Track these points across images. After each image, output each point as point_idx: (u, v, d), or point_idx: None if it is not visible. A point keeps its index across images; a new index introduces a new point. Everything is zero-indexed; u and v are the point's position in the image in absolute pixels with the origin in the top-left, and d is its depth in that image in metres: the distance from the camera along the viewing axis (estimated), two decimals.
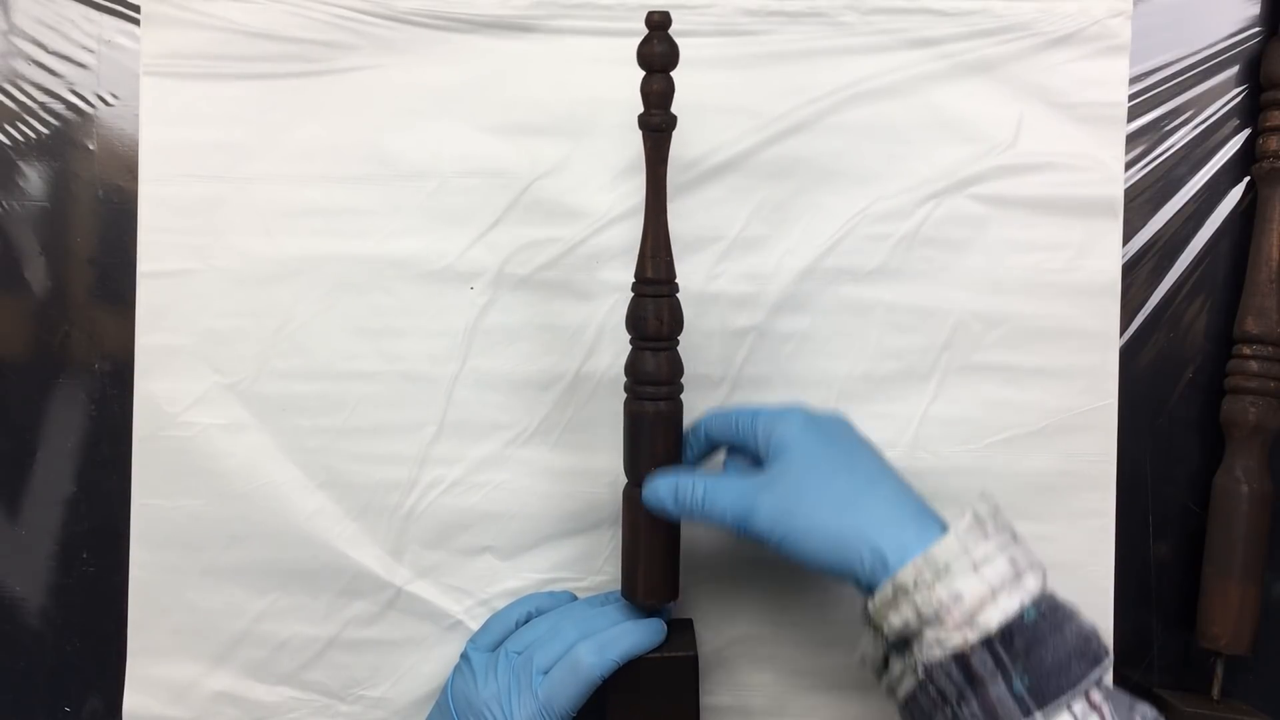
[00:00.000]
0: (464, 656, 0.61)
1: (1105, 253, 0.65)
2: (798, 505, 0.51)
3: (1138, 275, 0.66)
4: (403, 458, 0.64)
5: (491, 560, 0.65)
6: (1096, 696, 0.46)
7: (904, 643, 0.48)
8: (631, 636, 0.58)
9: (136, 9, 0.63)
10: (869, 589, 0.49)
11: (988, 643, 0.46)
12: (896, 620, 0.48)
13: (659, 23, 0.54)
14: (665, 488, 0.55)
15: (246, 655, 0.65)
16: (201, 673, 0.65)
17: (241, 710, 0.65)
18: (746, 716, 0.66)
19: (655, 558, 0.58)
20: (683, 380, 0.58)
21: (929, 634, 0.47)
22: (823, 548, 0.50)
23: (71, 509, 0.65)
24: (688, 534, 0.61)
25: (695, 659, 0.59)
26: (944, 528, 0.49)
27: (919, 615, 0.47)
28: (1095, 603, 0.64)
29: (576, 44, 0.63)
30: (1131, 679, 0.66)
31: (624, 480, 0.59)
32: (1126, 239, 0.65)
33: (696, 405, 0.62)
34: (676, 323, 0.57)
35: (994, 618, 0.46)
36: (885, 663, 0.50)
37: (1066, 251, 0.64)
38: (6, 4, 0.64)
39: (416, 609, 0.65)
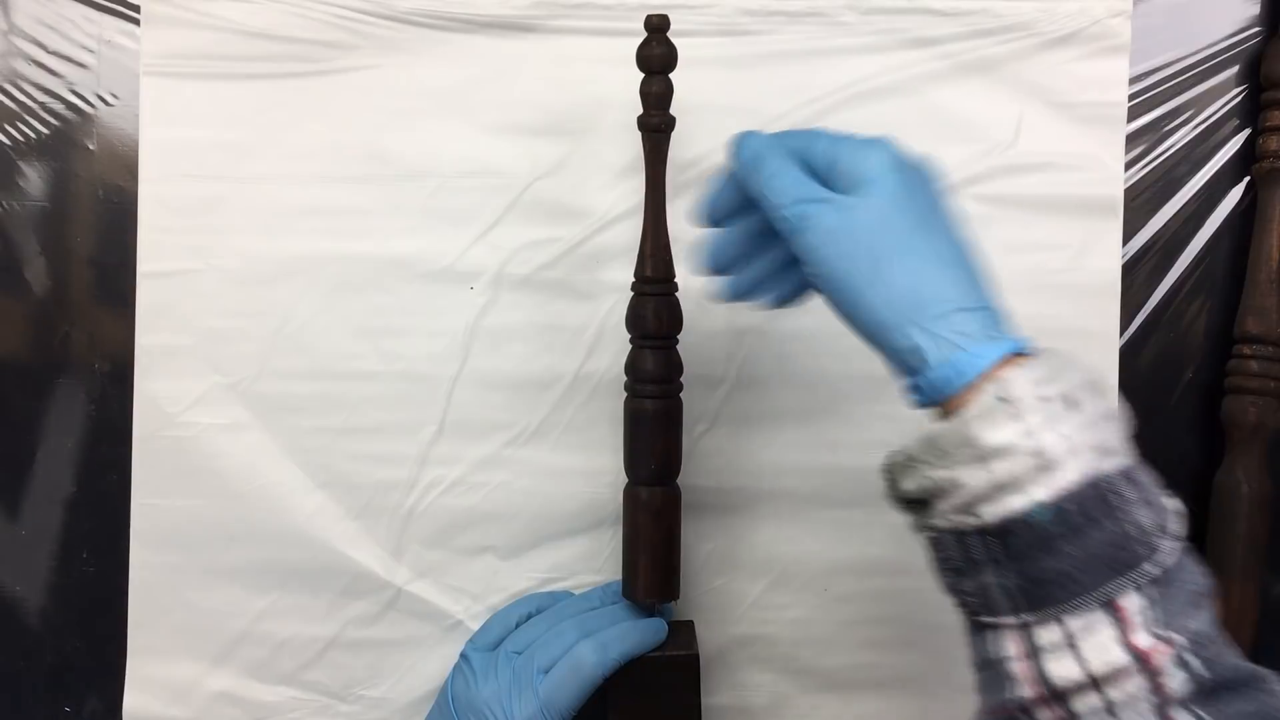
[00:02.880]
0: (463, 656, 0.61)
1: (1105, 253, 0.65)
2: (859, 258, 0.45)
3: (1138, 275, 0.66)
4: (403, 458, 0.64)
5: (492, 560, 0.65)
6: (1129, 603, 0.40)
7: (921, 503, 0.45)
8: (633, 636, 0.58)
9: (136, 9, 0.63)
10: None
11: (981, 532, 0.42)
12: (909, 485, 0.44)
13: (658, 25, 0.55)
14: (749, 147, 0.48)
15: (246, 655, 0.65)
16: (201, 673, 0.65)
17: (241, 710, 0.65)
18: (746, 716, 0.66)
19: (656, 557, 0.58)
20: (683, 380, 0.59)
21: (938, 504, 0.43)
22: (867, 323, 0.45)
23: (71, 509, 0.65)
24: (688, 534, 0.61)
25: (696, 658, 0.59)
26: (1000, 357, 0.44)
27: (923, 489, 0.44)
28: None
29: (576, 44, 0.63)
30: None
31: (624, 480, 0.59)
32: (1126, 239, 0.65)
33: (696, 405, 0.63)
34: (676, 321, 0.57)
35: (992, 513, 0.41)
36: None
37: (1066, 251, 0.64)
38: (6, 4, 0.64)
39: (416, 609, 0.65)
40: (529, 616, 0.62)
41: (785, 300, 0.52)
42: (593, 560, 0.65)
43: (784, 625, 0.65)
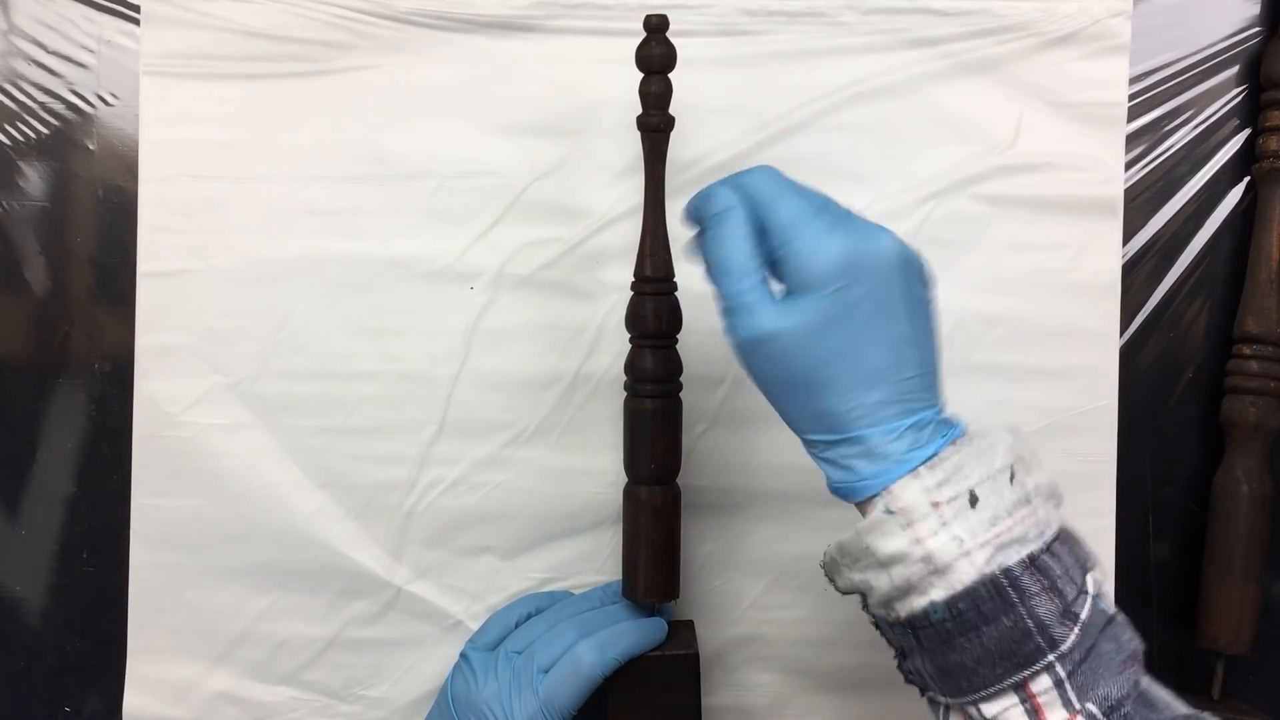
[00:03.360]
0: (463, 656, 0.61)
1: (1105, 253, 0.65)
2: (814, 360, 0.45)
3: (1138, 275, 0.66)
4: (403, 458, 0.64)
5: (491, 560, 0.65)
6: (1037, 686, 0.43)
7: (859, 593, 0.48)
8: (632, 635, 0.58)
9: (136, 9, 0.63)
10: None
11: (901, 625, 0.45)
12: (841, 583, 0.48)
13: (657, 25, 0.55)
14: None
15: (246, 655, 0.65)
16: (201, 673, 0.65)
17: (241, 710, 0.65)
18: (746, 716, 0.66)
19: (655, 557, 0.58)
20: (683, 379, 0.59)
21: (867, 598, 0.47)
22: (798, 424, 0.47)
23: (71, 509, 0.65)
24: (688, 534, 0.61)
25: (696, 657, 0.59)
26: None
27: (851, 587, 0.47)
28: None
29: (576, 44, 0.63)
30: None
31: (624, 480, 0.59)
32: (1126, 239, 0.65)
33: (696, 405, 0.63)
34: (675, 321, 0.57)
35: (903, 608, 0.45)
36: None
37: (1066, 251, 0.64)
38: (6, 4, 0.64)
39: (416, 609, 0.65)
40: (529, 616, 0.62)
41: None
42: (593, 560, 0.65)
43: (784, 625, 0.65)
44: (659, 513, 0.58)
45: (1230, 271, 0.66)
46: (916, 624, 0.44)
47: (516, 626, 0.62)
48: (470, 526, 0.65)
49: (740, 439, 0.64)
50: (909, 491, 0.44)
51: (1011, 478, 0.45)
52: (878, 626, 0.49)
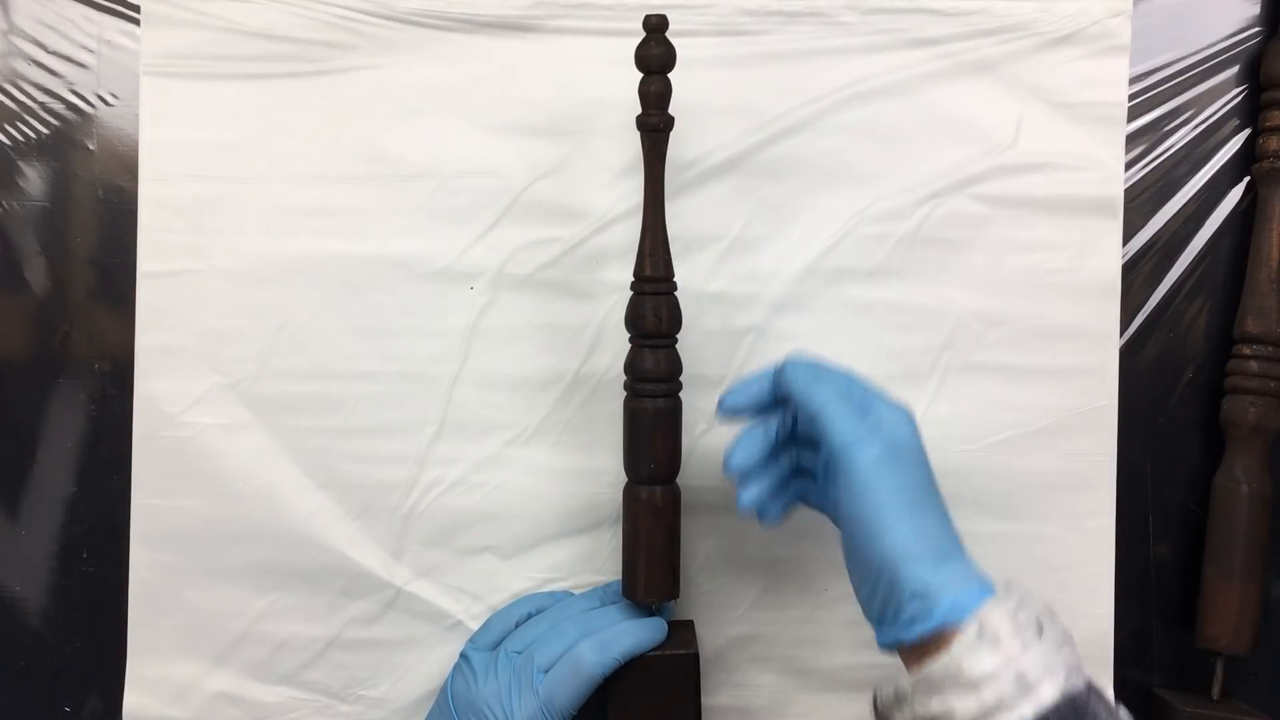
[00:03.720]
0: (463, 656, 0.61)
1: (1105, 253, 0.65)
2: (850, 549, 0.52)
3: (1138, 275, 0.66)
4: (403, 458, 0.64)
5: (492, 560, 0.65)
6: None
7: None
8: (633, 635, 0.58)
9: (136, 9, 0.63)
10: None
11: None
12: (900, 718, 0.48)
13: (656, 25, 0.55)
14: (802, 366, 0.54)
15: (246, 655, 0.65)
16: (201, 673, 0.65)
17: (241, 710, 0.65)
18: (746, 716, 0.66)
19: (655, 557, 0.58)
20: (683, 379, 0.59)
21: None
22: (878, 557, 0.51)
23: (71, 509, 0.65)
24: (688, 534, 0.61)
25: (696, 657, 0.59)
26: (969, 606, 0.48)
27: (916, 718, 0.47)
28: (1095, 603, 0.64)
29: (576, 44, 0.63)
30: (1131, 679, 0.66)
31: (624, 480, 0.59)
32: (1126, 239, 0.65)
33: (696, 405, 0.63)
34: (675, 320, 0.58)
35: None
36: None
37: (1066, 251, 0.64)
38: (6, 4, 0.64)
39: (416, 609, 0.65)
40: (529, 616, 0.62)
41: (782, 514, 0.56)
42: (593, 560, 0.65)
43: (784, 625, 0.65)
44: (659, 513, 0.58)
45: (1230, 271, 0.66)
46: None
47: (516, 626, 0.62)
48: (470, 526, 0.65)
49: None
50: (996, 614, 0.47)
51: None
52: None
